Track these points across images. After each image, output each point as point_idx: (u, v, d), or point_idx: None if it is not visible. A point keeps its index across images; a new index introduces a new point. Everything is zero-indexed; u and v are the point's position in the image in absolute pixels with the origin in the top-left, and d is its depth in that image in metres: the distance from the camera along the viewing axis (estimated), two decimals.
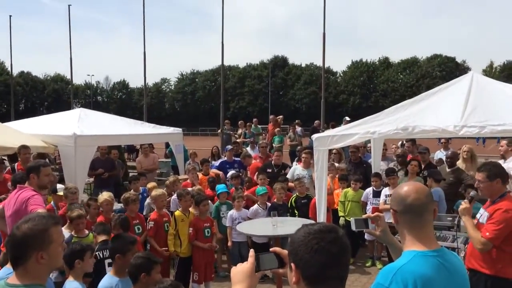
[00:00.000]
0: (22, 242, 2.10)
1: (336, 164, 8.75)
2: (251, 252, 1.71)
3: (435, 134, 5.95)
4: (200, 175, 8.46)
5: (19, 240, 2.10)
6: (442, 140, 9.69)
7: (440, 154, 9.35)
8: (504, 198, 3.75)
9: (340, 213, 7.63)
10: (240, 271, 1.67)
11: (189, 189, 7.01)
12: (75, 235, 4.79)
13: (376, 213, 2.35)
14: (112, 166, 9.53)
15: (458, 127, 5.46)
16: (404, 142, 9.14)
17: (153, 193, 6.09)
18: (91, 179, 9.77)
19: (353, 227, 2.37)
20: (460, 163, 7.64)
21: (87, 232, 4.95)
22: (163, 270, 5.68)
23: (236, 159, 9.55)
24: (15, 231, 2.14)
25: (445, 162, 7.92)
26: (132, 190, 7.22)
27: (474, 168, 7.07)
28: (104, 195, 5.72)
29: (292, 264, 1.54)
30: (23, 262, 2.10)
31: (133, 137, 10.21)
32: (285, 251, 1.66)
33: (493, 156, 10.88)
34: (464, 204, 3.89)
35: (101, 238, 4.46)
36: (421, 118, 5.95)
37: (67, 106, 41.94)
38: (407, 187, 2.11)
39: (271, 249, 1.73)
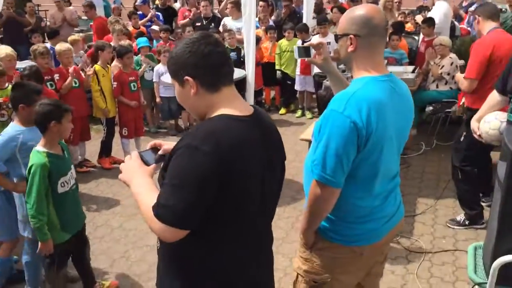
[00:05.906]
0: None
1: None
2: (133, 153, 1.71)
3: None
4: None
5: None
6: None
7: None
8: None
9: (277, 66, 7.50)
10: (128, 168, 1.65)
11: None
12: None
13: (318, 41, 2.20)
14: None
15: None
16: None
17: (57, 47, 5.45)
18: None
19: (296, 56, 2.35)
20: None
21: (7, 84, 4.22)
22: (82, 128, 5.51)
23: (157, 13, 8.94)
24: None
25: None
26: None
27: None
28: (4, 49, 4.76)
29: (187, 78, 1.51)
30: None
31: None
32: (163, 143, 1.72)
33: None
34: None
35: None
36: None
37: None
38: (366, 8, 1.87)
39: (149, 144, 1.75)
